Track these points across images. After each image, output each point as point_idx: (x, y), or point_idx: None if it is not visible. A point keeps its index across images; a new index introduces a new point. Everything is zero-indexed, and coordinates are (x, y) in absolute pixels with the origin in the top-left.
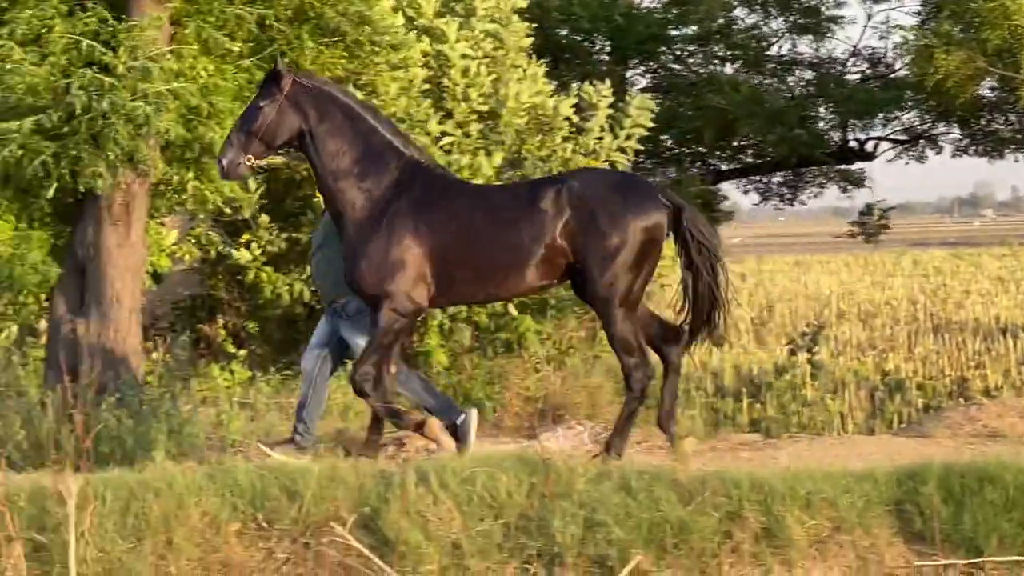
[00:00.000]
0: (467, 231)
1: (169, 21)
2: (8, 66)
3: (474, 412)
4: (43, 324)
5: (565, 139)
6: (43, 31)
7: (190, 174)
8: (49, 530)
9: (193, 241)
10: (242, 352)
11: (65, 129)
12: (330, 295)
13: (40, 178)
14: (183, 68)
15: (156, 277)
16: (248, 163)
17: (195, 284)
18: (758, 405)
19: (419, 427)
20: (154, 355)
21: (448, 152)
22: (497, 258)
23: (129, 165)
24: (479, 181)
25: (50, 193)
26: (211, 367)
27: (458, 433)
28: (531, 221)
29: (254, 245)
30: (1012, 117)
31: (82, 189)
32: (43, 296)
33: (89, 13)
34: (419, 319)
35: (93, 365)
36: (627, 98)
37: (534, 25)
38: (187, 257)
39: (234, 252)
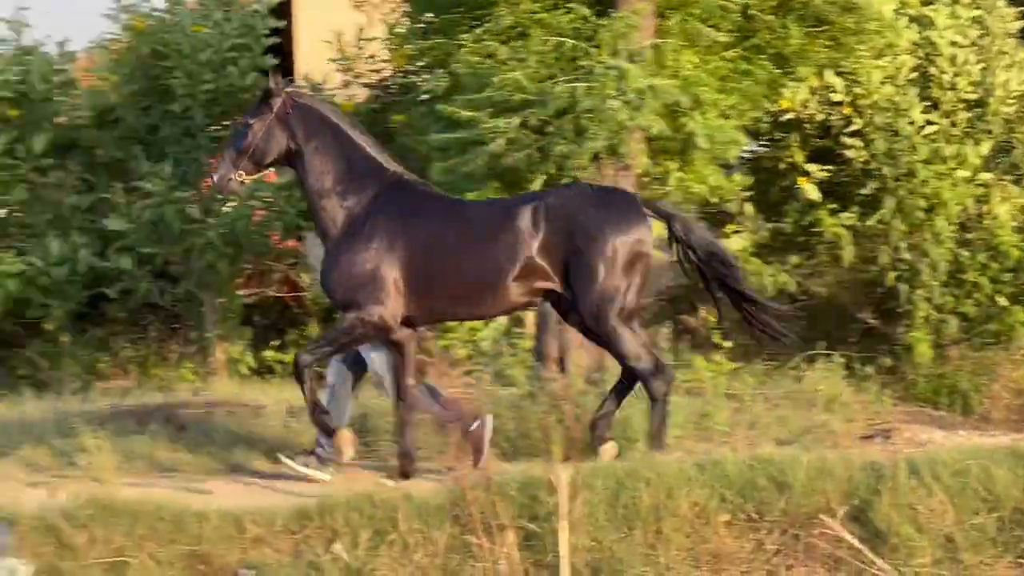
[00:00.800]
0: (444, 247)
1: (653, 15)
2: (492, 65)
3: (488, 419)
4: (530, 315)
5: None
6: (527, 27)
7: (674, 166)
8: (540, 519)
9: None
10: (727, 343)
11: (549, 125)
12: None
13: (526, 171)
14: (665, 61)
15: None
16: (239, 179)
17: (678, 274)
18: None
19: (327, 433)
20: None
21: (933, 141)
22: (473, 275)
23: (611, 159)
24: (965, 172)
25: (536, 185)
26: (695, 358)
27: (471, 439)
28: (507, 239)
29: (741, 235)
30: None
31: (566, 182)
32: None
33: (570, 10)
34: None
35: (580, 355)
36: None
37: (1020, 10)
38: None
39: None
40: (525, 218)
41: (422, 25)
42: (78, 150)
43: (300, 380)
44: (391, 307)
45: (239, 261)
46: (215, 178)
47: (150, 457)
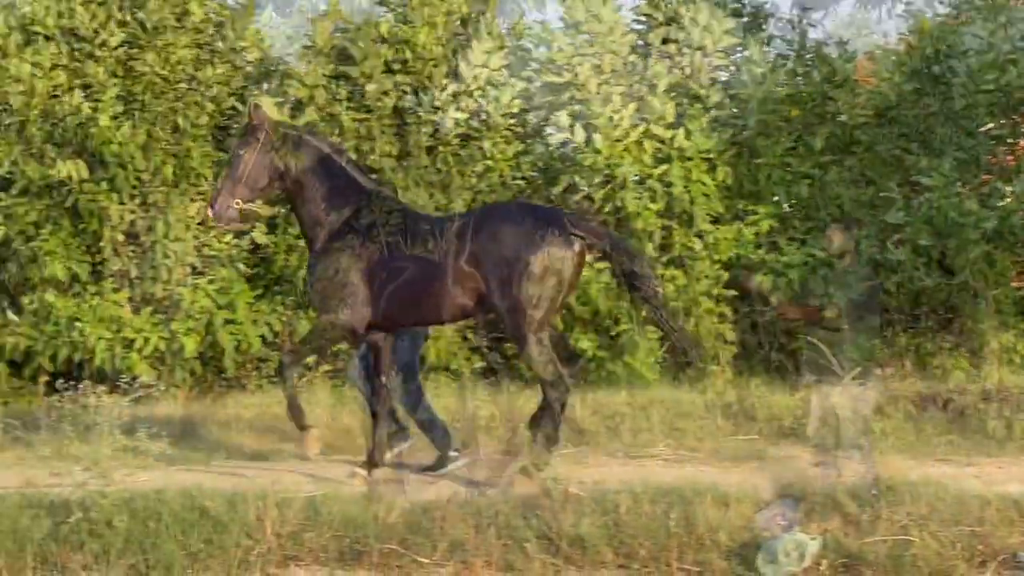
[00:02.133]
0: (396, 257)
1: None
2: None
3: (410, 442)
4: None
5: None
6: None
7: None
8: None
9: None
10: None
11: None
12: None
13: None
14: None
15: None
16: (237, 206)
17: None
18: None
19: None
20: None
21: None
22: (417, 284)
23: None
24: None
25: None
26: None
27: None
28: (442, 252)
29: None
30: None
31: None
32: None
33: None
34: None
35: None
36: None
37: None
38: None
39: None
40: (456, 232)
41: None
42: (857, 147)
43: (282, 378)
44: (356, 313)
45: (1015, 253)
46: (216, 209)
47: (927, 441)
